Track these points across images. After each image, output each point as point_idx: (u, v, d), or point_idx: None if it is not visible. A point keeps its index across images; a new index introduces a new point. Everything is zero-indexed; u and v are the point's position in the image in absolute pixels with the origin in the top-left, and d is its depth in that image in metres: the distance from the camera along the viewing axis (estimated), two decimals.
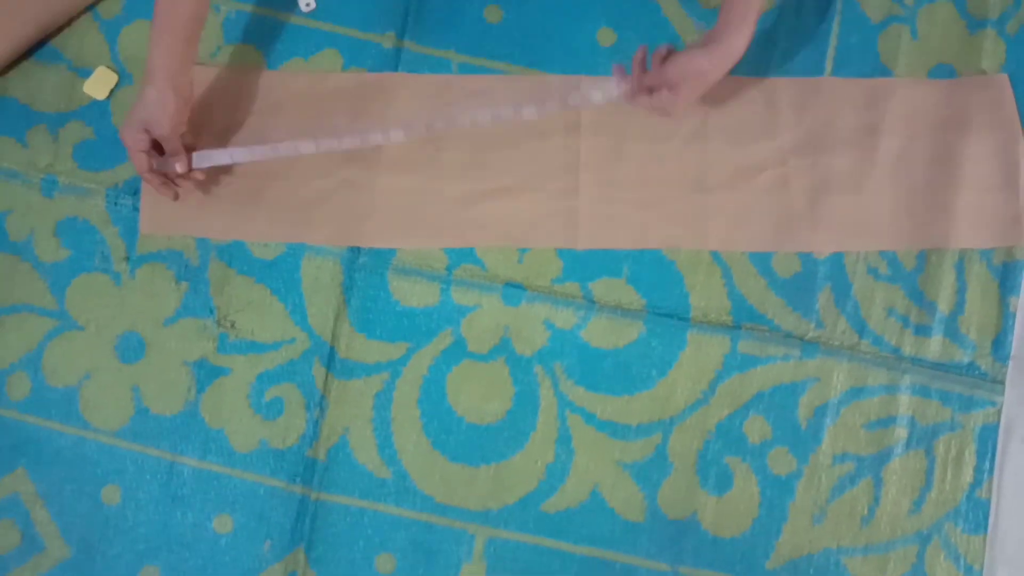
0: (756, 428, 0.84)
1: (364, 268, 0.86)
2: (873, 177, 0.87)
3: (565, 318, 0.86)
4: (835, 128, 0.88)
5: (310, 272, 0.86)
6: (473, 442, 0.85)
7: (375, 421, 0.85)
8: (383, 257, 0.86)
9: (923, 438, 0.84)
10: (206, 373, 0.85)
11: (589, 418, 0.85)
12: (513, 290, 0.86)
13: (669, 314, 0.86)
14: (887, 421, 0.84)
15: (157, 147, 0.81)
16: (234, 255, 0.86)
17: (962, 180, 0.86)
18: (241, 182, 0.87)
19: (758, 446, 0.84)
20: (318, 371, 0.85)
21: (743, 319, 0.85)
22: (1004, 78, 0.88)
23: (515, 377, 0.85)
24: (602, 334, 0.86)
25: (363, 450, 0.85)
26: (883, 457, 0.84)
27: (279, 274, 0.86)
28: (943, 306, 0.85)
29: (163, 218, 0.87)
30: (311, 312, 0.86)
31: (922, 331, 0.85)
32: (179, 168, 0.81)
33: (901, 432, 0.84)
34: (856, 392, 0.84)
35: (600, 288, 0.86)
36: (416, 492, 0.84)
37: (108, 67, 0.88)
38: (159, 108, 0.79)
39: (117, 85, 0.89)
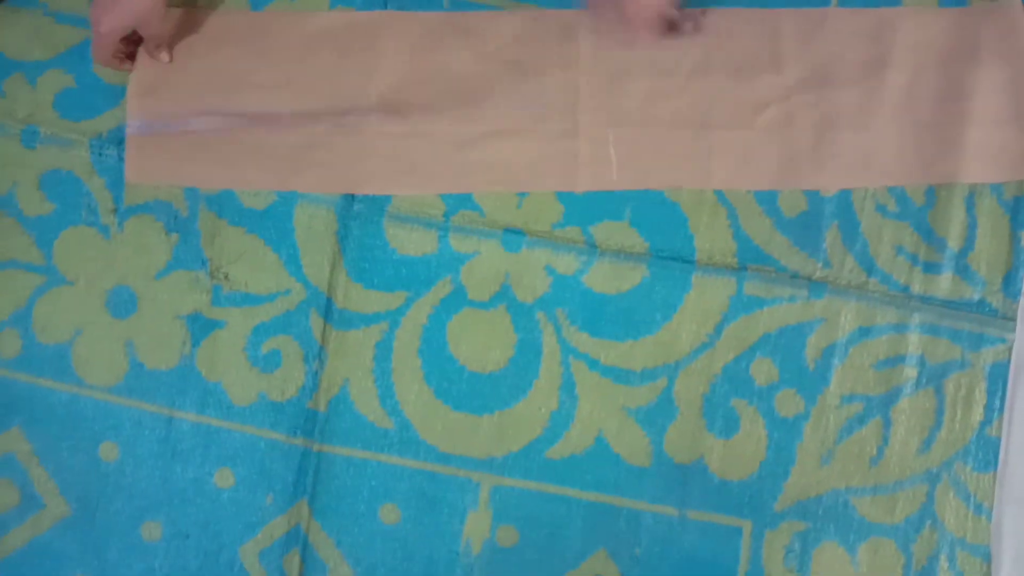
0: (763, 370, 0.83)
1: (359, 216, 0.84)
2: (880, 111, 0.84)
3: (567, 263, 0.84)
4: (841, 61, 0.85)
5: (303, 221, 0.84)
6: (476, 390, 0.83)
7: (376, 372, 0.83)
8: (378, 204, 0.84)
9: (932, 377, 0.83)
10: (200, 326, 0.83)
11: (593, 364, 0.83)
12: (512, 236, 0.84)
13: (673, 257, 0.84)
14: (896, 360, 0.83)
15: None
16: (224, 205, 0.84)
17: (972, 113, 0.84)
18: (229, 129, 0.84)
19: (765, 388, 0.83)
20: (315, 322, 0.83)
21: (749, 260, 0.83)
22: (1016, 3, 0.85)
23: (517, 324, 0.84)
24: (605, 279, 0.84)
25: (364, 401, 0.83)
26: (892, 397, 0.83)
27: (271, 224, 0.84)
28: (953, 243, 0.83)
29: (149, 167, 0.84)
30: (306, 262, 0.84)
31: (931, 268, 0.83)
32: (165, 59, 0.82)
33: (910, 371, 0.83)
34: (864, 332, 0.83)
35: (601, 232, 0.84)
36: (419, 442, 0.83)
37: None
38: (156, 9, 0.77)
39: None
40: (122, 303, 0.84)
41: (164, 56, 0.83)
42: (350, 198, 0.84)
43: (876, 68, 0.85)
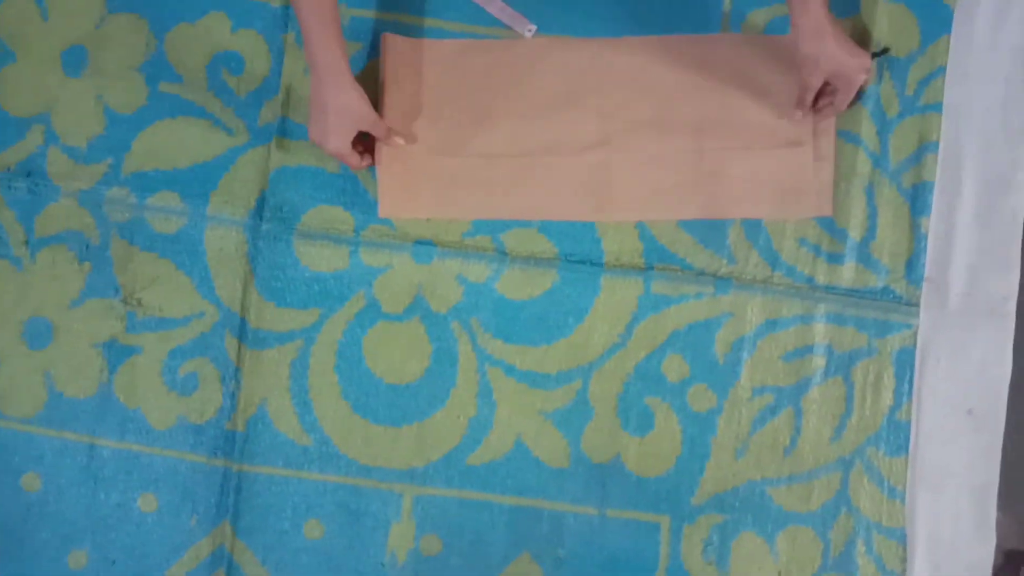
0: (674, 367, 0.84)
1: (268, 236, 0.84)
2: (670, 143, 0.85)
3: (478, 272, 0.85)
4: (646, 88, 0.86)
5: (214, 243, 0.84)
6: (394, 402, 0.84)
7: (292, 389, 0.84)
8: (287, 223, 0.85)
9: (841, 365, 0.84)
10: (117, 353, 0.84)
11: (509, 370, 0.84)
12: (423, 247, 0.85)
13: (582, 260, 0.85)
14: (804, 351, 0.84)
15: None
16: (135, 231, 0.85)
17: (771, 149, 0.85)
18: (481, 160, 0.85)
19: (677, 385, 0.84)
20: (230, 343, 0.84)
21: (655, 260, 0.85)
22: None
23: (432, 335, 0.85)
24: (516, 285, 0.85)
25: (282, 419, 0.84)
26: (802, 387, 0.84)
27: (182, 247, 0.85)
28: (854, 232, 0.85)
29: (402, 201, 0.85)
30: (218, 284, 0.84)
31: (835, 259, 0.85)
32: (405, 142, 0.84)
33: (819, 361, 0.84)
34: (771, 324, 0.84)
35: (511, 239, 0.85)
36: (340, 456, 0.84)
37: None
38: (362, 104, 0.79)
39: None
40: (38, 334, 0.84)
41: (399, 140, 0.84)
42: (258, 217, 0.84)
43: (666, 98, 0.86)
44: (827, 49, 0.76)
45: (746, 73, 0.85)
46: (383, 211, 0.85)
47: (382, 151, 0.84)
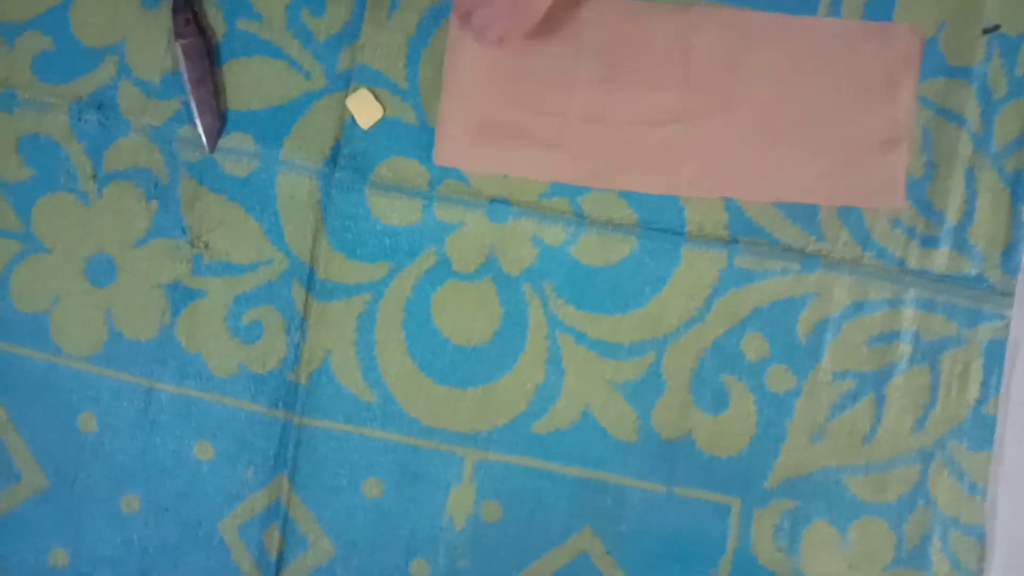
0: (753, 345, 0.81)
1: (341, 185, 0.82)
2: (754, 125, 0.81)
3: (554, 234, 0.82)
4: (739, 67, 0.82)
5: (285, 189, 0.82)
6: (460, 364, 0.82)
7: (358, 344, 0.82)
8: (361, 173, 0.82)
9: (928, 353, 0.81)
10: (180, 295, 0.82)
11: (580, 337, 0.81)
12: (499, 206, 0.82)
13: (663, 229, 0.82)
14: (890, 336, 0.81)
15: None
16: (204, 171, 0.82)
17: (851, 135, 0.81)
18: (552, 119, 0.82)
19: (755, 364, 0.81)
20: (297, 292, 0.82)
21: (740, 233, 0.81)
22: (915, 30, 0.81)
23: (502, 297, 0.82)
24: (593, 250, 0.82)
25: (346, 373, 0.82)
26: (886, 373, 0.81)
27: (253, 191, 0.82)
28: (951, 216, 0.81)
29: (462, 149, 0.82)
30: (288, 231, 0.82)
31: (928, 243, 0.81)
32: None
33: (905, 348, 0.81)
34: (858, 306, 0.81)
35: (590, 202, 0.82)
36: (402, 415, 0.81)
37: (371, 91, 0.82)
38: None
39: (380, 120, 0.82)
40: (101, 271, 0.82)
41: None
42: (332, 165, 0.82)
43: (775, 81, 0.82)
44: None
45: (844, 60, 0.81)
46: (439, 158, 0.81)
47: (446, 93, 0.81)
